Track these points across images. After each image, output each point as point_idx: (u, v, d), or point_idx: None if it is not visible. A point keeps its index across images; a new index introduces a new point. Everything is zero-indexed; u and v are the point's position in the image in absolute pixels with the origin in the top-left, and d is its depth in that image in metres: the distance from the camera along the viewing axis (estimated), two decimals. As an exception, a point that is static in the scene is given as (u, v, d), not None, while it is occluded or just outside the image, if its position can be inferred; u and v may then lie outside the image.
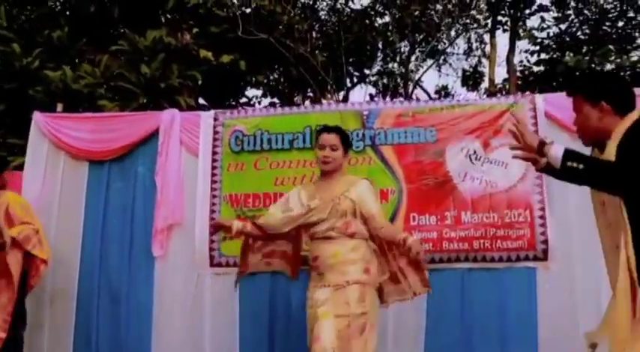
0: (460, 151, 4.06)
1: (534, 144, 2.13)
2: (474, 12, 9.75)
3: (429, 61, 11.32)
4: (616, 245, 2.17)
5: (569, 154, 2.08)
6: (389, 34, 9.08)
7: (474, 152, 4.05)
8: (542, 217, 3.92)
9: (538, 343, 3.85)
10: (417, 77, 10.97)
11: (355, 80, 10.27)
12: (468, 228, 3.96)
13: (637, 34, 8.11)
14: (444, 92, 11.64)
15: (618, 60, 7.56)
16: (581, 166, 2.07)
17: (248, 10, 7.40)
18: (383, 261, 3.20)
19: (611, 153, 2.15)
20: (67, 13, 7.59)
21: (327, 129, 3.27)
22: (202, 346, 4.18)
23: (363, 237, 3.10)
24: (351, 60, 9.42)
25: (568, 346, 3.75)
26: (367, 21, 9.02)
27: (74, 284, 4.42)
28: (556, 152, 2.09)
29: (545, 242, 3.89)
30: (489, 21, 9.79)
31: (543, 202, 3.93)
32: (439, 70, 11.88)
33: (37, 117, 4.71)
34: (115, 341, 4.32)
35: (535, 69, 9.20)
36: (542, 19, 9.00)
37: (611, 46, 7.87)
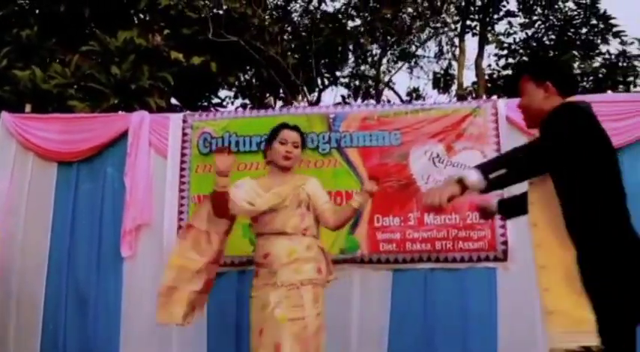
0: (424, 154, 4.16)
1: (457, 194, 2.05)
2: (444, 16, 9.93)
3: (401, 64, 11.50)
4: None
5: (480, 166, 2.07)
6: (360, 37, 9.19)
7: (437, 155, 4.16)
8: (503, 219, 4.05)
9: (498, 342, 3.96)
10: (388, 79, 11.13)
11: (327, 82, 10.37)
12: (431, 229, 4.06)
13: (599, 41, 8.38)
14: (415, 94, 11.77)
15: (582, 65, 7.81)
16: (503, 170, 2.05)
17: (220, 12, 7.45)
18: (330, 260, 3.21)
19: None
20: (37, 11, 7.53)
21: (287, 126, 3.30)
22: (170, 344, 4.22)
23: (313, 235, 3.11)
24: (322, 62, 9.50)
25: (527, 345, 3.90)
26: (338, 24, 9.10)
27: (42, 283, 4.43)
28: (470, 174, 2.03)
29: (505, 243, 4.01)
30: (459, 25, 9.98)
31: (503, 204, 4.06)
32: (411, 73, 12.08)
33: (5, 117, 4.71)
34: (83, 341, 4.32)
35: (503, 72, 9.42)
36: (510, 25, 9.24)
37: (575, 52, 8.11)
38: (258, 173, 4.23)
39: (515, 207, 2.58)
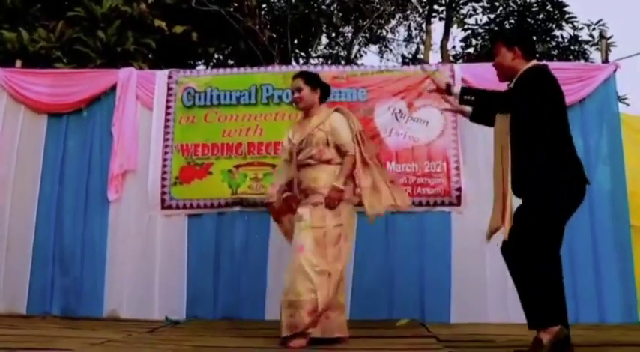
0: (387, 110, 4.60)
1: (443, 86, 3.11)
2: (414, 1, 10.37)
3: (372, 47, 11.93)
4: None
5: (464, 90, 2.99)
6: (332, 15, 9.51)
7: (400, 111, 4.61)
8: (457, 168, 4.50)
9: (451, 277, 4.41)
10: (360, 62, 11.52)
11: (301, 61, 10.70)
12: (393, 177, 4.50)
13: (554, 27, 8.92)
14: (384, 77, 12.14)
15: (538, 48, 8.30)
16: (472, 98, 2.94)
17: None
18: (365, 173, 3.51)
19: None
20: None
21: (293, 75, 3.67)
22: (152, 280, 4.55)
23: (338, 163, 3.48)
24: (296, 40, 9.81)
25: (477, 279, 4.37)
26: (312, 2, 9.41)
27: (32, 227, 4.71)
28: (456, 90, 3.06)
29: (459, 190, 4.47)
30: (427, 9, 10.43)
31: (458, 155, 4.52)
32: (381, 56, 12.53)
33: (-4, 71, 4.97)
34: (70, 281, 4.62)
35: (467, 52, 9.91)
36: (474, 9, 9.74)
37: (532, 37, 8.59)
38: (237, 124, 4.68)
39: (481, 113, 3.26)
